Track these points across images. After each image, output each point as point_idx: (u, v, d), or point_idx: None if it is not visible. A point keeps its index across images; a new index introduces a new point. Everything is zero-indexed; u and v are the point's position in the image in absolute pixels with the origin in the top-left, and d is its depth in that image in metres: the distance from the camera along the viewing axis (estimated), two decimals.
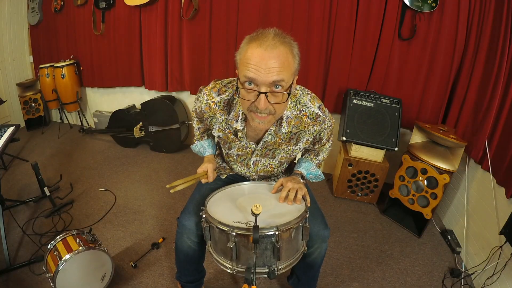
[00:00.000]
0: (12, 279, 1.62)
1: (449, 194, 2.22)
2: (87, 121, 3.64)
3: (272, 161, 1.24)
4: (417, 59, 2.28)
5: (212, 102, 1.11)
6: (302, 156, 1.37)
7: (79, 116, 3.52)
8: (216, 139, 1.36)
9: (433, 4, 2.08)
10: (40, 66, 3.28)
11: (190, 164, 2.93)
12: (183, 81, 3.03)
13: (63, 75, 3.22)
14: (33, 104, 3.41)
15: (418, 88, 2.34)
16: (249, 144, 1.17)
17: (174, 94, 3.19)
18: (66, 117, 3.61)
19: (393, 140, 2.21)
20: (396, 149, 2.21)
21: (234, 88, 1.08)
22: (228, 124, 1.14)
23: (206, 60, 2.83)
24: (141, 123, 3.07)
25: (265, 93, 0.89)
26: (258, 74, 0.87)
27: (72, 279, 1.40)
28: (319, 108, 1.10)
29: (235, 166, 1.32)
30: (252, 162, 1.25)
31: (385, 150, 2.24)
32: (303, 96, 1.09)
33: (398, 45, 2.30)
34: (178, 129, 2.99)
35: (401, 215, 2.24)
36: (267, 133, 1.11)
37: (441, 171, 1.91)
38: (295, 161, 1.43)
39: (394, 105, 2.24)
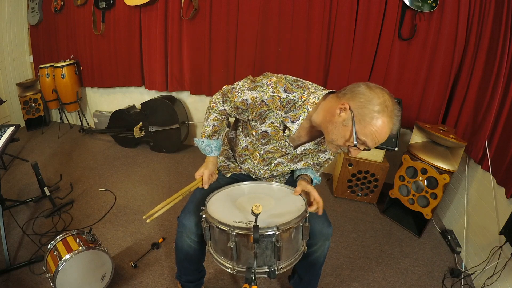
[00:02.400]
0: (12, 279, 1.62)
1: (449, 194, 2.22)
2: (87, 121, 3.64)
3: (294, 166, 1.26)
4: (417, 59, 2.29)
5: (278, 96, 1.07)
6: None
7: (79, 116, 3.52)
8: (255, 134, 1.23)
9: (433, 4, 2.08)
10: (40, 66, 3.28)
11: (190, 164, 2.93)
12: (183, 81, 3.03)
13: (63, 75, 3.22)
14: (33, 104, 3.41)
15: (418, 88, 2.34)
16: (289, 146, 1.16)
17: (174, 94, 3.19)
18: (66, 117, 3.61)
19: (393, 140, 2.21)
20: (396, 149, 2.20)
21: (302, 91, 1.08)
22: (282, 121, 1.11)
23: (206, 60, 2.83)
24: (141, 123, 3.07)
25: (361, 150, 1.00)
26: (373, 144, 0.98)
27: (72, 279, 1.40)
28: None
29: (249, 161, 1.29)
30: (276, 161, 1.24)
31: (385, 150, 2.24)
32: None
33: (398, 45, 2.30)
34: (178, 129, 2.99)
35: (401, 215, 2.24)
36: (311, 142, 1.14)
37: (441, 171, 1.91)
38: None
39: None
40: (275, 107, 1.08)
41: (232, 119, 1.31)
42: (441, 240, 2.09)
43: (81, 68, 3.38)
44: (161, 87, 3.08)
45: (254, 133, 1.19)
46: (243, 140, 1.26)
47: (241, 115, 1.19)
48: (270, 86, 1.07)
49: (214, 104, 1.22)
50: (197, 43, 2.82)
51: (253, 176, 1.35)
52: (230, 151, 1.39)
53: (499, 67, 1.78)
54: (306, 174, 1.30)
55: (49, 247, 1.46)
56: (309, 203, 1.15)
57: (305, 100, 1.06)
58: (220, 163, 1.39)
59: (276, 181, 1.33)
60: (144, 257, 1.80)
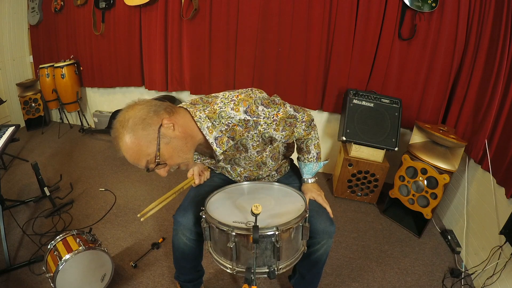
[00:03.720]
0: (12, 279, 1.62)
1: (449, 194, 2.22)
2: (87, 121, 3.64)
3: (244, 166, 1.24)
4: (417, 59, 2.28)
5: None
6: (297, 159, 1.36)
7: (79, 116, 3.52)
8: None
9: (433, 4, 2.08)
10: (40, 66, 3.28)
11: None
12: (183, 81, 3.03)
13: (63, 75, 3.22)
14: (33, 104, 3.41)
15: (418, 88, 2.34)
16: (208, 161, 1.22)
17: (174, 94, 3.19)
18: (66, 117, 3.61)
19: (393, 140, 2.21)
20: (396, 149, 2.21)
21: None
22: None
23: (206, 60, 2.83)
24: None
25: (153, 169, 0.95)
26: (135, 166, 0.95)
27: (72, 279, 1.40)
28: (245, 112, 1.00)
29: (224, 171, 1.34)
30: (229, 168, 1.27)
31: (385, 150, 2.24)
32: (224, 108, 1.00)
33: (398, 45, 2.30)
34: None
35: (401, 215, 2.24)
36: (214, 154, 1.09)
37: (441, 171, 1.91)
38: (283, 154, 1.39)
39: (394, 105, 2.24)
40: None
41: None
42: (441, 240, 2.09)
43: (81, 68, 3.38)
44: (161, 87, 3.08)
45: None
46: None
47: None
48: None
49: None
50: (197, 43, 2.82)
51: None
52: None
53: (499, 67, 1.77)
54: (304, 177, 1.32)
55: (49, 247, 1.46)
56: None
57: None
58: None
59: (269, 180, 1.34)
60: (144, 257, 1.80)
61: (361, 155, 2.28)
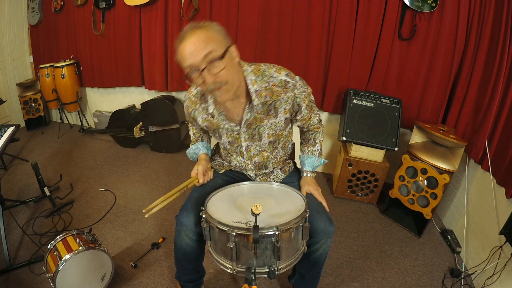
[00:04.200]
0: (12, 279, 1.62)
1: (449, 194, 2.22)
2: (87, 121, 3.65)
3: (262, 144, 1.26)
4: (417, 59, 2.28)
5: (192, 95, 1.25)
6: (301, 152, 1.39)
7: (79, 116, 3.52)
8: (211, 135, 1.39)
9: (433, 4, 2.08)
10: (40, 66, 3.28)
11: (190, 164, 2.92)
12: (183, 81, 3.03)
13: (63, 75, 3.22)
14: (33, 104, 3.41)
15: (418, 88, 2.34)
16: (232, 125, 1.23)
17: (174, 94, 3.19)
18: (66, 117, 3.61)
19: (393, 140, 2.21)
20: (396, 149, 2.21)
21: None
22: (207, 110, 1.23)
23: None
24: (141, 123, 3.07)
25: (203, 69, 0.99)
26: (190, 59, 0.99)
27: (72, 279, 1.40)
28: (287, 75, 1.14)
29: (232, 158, 1.34)
30: (244, 148, 1.27)
31: (385, 150, 2.24)
32: (268, 69, 1.15)
33: (398, 45, 2.30)
34: (178, 129, 2.99)
35: (401, 215, 2.24)
36: (245, 111, 1.17)
37: (441, 171, 1.91)
38: (289, 153, 1.44)
39: (394, 105, 2.24)
40: (195, 104, 1.25)
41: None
42: (441, 240, 2.09)
43: (81, 68, 3.38)
44: (161, 87, 3.08)
45: (211, 134, 1.34)
46: (220, 145, 1.38)
47: (197, 126, 1.35)
48: (187, 92, 1.28)
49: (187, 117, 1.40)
50: None
51: (245, 174, 1.38)
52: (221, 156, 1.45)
53: (499, 67, 1.77)
54: (304, 169, 1.35)
55: (49, 247, 1.46)
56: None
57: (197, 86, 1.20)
58: (215, 162, 1.43)
59: (273, 180, 1.34)
60: (144, 257, 1.80)
61: (361, 155, 2.28)
